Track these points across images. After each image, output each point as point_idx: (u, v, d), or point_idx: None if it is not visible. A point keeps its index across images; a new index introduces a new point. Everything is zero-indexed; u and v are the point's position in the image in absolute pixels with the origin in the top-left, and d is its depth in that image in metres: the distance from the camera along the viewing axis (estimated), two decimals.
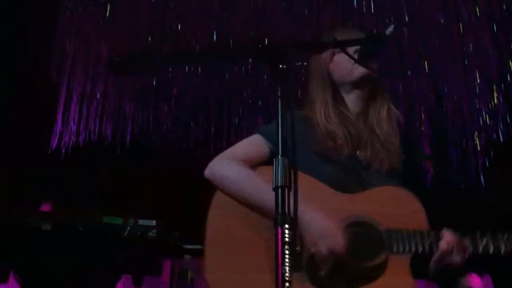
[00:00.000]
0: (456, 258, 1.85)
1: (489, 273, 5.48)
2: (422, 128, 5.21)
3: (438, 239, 1.86)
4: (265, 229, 1.88)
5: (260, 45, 1.52)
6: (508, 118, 5.09)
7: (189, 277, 4.37)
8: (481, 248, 1.87)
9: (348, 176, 2.00)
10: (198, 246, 2.06)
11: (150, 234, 3.33)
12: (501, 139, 5.17)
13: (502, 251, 1.86)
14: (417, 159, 2.22)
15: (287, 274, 1.36)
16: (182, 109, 5.24)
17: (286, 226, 1.40)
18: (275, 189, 1.44)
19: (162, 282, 4.82)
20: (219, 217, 1.99)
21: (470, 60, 4.91)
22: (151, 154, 5.26)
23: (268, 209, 1.83)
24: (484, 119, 5.20)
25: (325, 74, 2.15)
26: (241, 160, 2.06)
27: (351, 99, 2.15)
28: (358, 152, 2.07)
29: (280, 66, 1.50)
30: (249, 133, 2.21)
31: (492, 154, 5.28)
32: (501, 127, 5.15)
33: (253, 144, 2.11)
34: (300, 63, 1.59)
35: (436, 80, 5.03)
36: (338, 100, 2.14)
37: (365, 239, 1.88)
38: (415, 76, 5.03)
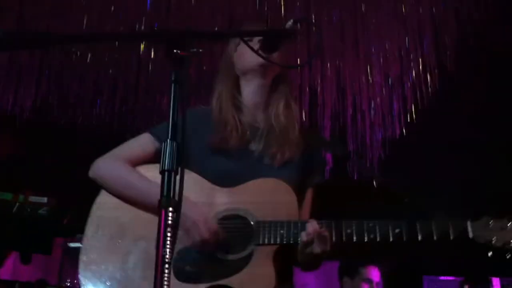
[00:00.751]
0: (317, 249, 1.85)
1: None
2: (324, 122, 5.38)
3: (303, 229, 1.89)
4: (144, 222, 1.95)
5: (156, 29, 1.53)
6: (402, 117, 5.36)
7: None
8: (344, 237, 1.90)
9: (241, 168, 2.03)
10: None
11: (41, 211, 3.24)
12: (397, 136, 5.44)
13: (365, 239, 1.89)
14: (316, 150, 2.22)
15: (167, 256, 1.39)
16: (87, 86, 5.10)
17: (170, 209, 1.43)
18: (162, 172, 1.46)
19: (52, 261, 4.70)
20: (100, 213, 2.05)
21: (372, 58, 5.12)
22: (52, 129, 5.09)
23: (146, 200, 1.94)
24: (382, 115, 5.44)
25: (229, 64, 2.19)
26: (123, 159, 2.10)
27: (251, 90, 2.17)
28: (251, 144, 2.10)
29: (175, 51, 1.52)
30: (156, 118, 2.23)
31: (388, 149, 5.55)
32: (398, 124, 5.41)
33: (139, 143, 2.15)
34: (195, 50, 1.59)
35: (339, 75, 5.20)
36: (236, 90, 2.17)
37: (235, 232, 1.93)
38: (319, 70, 5.18)
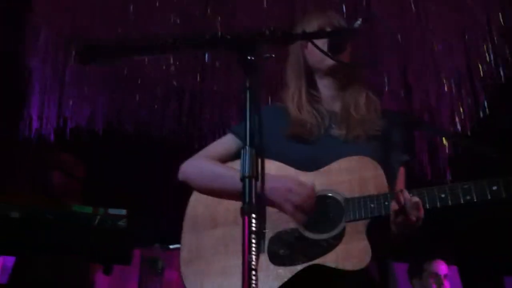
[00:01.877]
0: (411, 217, 1.78)
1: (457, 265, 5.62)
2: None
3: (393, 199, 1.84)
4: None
5: (228, 36, 1.54)
6: (480, 112, 5.18)
7: (159, 266, 4.39)
8: (438, 203, 1.82)
9: (323, 152, 2.03)
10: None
11: (120, 223, 3.33)
12: (468, 133, 5.26)
13: (462, 201, 1.81)
14: (399, 128, 2.17)
15: (253, 262, 1.39)
16: (154, 98, 5.22)
17: (253, 215, 1.43)
18: (242, 179, 1.46)
19: (132, 271, 4.83)
20: (194, 211, 2.13)
21: (438, 56, 4.98)
22: (124, 142, 5.24)
23: (235, 187, 1.85)
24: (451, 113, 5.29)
25: (300, 59, 2.21)
26: (210, 158, 2.17)
27: (325, 84, 2.20)
28: (331, 130, 2.11)
29: (248, 57, 1.53)
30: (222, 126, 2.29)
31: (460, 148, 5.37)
32: (469, 121, 5.24)
33: (222, 142, 2.23)
34: (268, 55, 1.59)
35: (406, 74, 5.09)
36: (311, 85, 2.20)
37: (325, 212, 1.92)
38: (386, 69, 5.09)
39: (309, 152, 2.04)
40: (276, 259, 1.89)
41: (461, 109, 5.21)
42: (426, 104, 5.26)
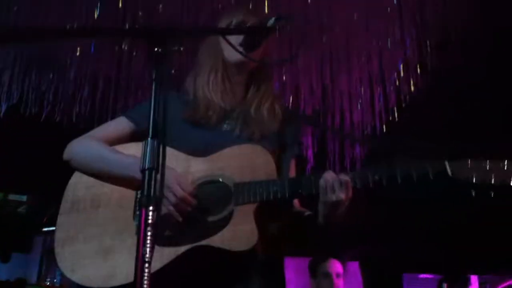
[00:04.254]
0: (340, 195, 1.83)
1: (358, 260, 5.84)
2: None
3: (310, 181, 1.89)
4: (120, 197, 1.97)
5: (137, 26, 1.52)
6: (383, 115, 5.40)
7: None
8: (368, 181, 1.88)
9: (216, 140, 2.05)
10: None
11: (20, 209, 3.21)
12: (377, 133, 5.46)
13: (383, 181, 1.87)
14: (293, 125, 2.24)
15: (147, 255, 1.38)
16: (66, 82, 5.04)
17: (150, 208, 1.42)
18: (143, 171, 1.45)
19: (31, 259, 4.65)
20: (74, 193, 2.04)
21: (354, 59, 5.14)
22: (29, 125, 5.02)
23: (120, 172, 1.95)
24: (363, 113, 5.47)
25: (217, 51, 2.19)
26: (98, 139, 2.10)
27: (235, 80, 2.21)
28: (225, 124, 2.13)
29: (156, 49, 1.51)
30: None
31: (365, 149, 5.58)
32: (377, 122, 5.44)
33: (114, 124, 2.18)
34: (177, 48, 1.59)
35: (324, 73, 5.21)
36: (225, 75, 2.19)
37: (214, 196, 1.93)
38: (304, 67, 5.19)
39: (205, 138, 2.05)
40: (160, 240, 1.84)
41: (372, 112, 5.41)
42: (340, 104, 5.40)
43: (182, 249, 1.85)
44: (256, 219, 1.87)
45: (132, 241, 1.77)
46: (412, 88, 5.03)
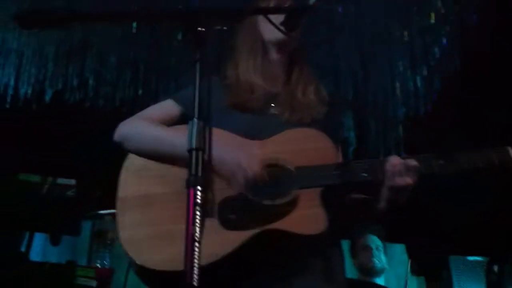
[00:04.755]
0: (407, 180, 1.83)
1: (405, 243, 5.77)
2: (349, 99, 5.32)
3: (374, 167, 1.89)
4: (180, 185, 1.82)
5: (180, 7, 1.52)
6: (429, 95, 5.28)
7: (109, 237, 4.35)
8: (434, 167, 1.89)
9: (266, 124, 2.02)
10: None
11: (69, 193, 3.28)
12: (421, 113, 5.35)
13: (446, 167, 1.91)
14: (338, 111, 2.25)
15: (196, 234, 1.39)
16: (108, 68, 5.11)
17: (198, 187, 1.43)
18: (189, 151, 1.46)
19: (81, 242, 4.77)
20: (130, 178, 1.97)
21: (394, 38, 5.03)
22: (74, 111, 5.13)
23: (180, 152, 1.81)
24: (407, 94, 5.37)
25: (256, 32, 2.17)
26: (147, 119, 2.07)
27: (274, 61, 2.17)
28: (272, 108, 2.10)
29: (198, 29, 1.51)
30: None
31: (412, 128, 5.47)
32: (423, 103, 5.33)
33: (162, 106, 2.14)
34: (220, 27, 1.58)
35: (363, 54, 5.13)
36: (265, 56, 2.16)
37: (276, 179, 1.89)
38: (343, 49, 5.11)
39: (254, 122, 2.02)
40: (227, 224, 1.83)
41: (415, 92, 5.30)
42: (382, 86, 5.32)
43: (252, 232, 1.81)
44: (322, 202, 1.85)
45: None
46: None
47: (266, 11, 1.88)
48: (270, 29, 2.01)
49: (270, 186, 1.88)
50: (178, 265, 1.63)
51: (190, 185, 1.43)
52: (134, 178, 1.98)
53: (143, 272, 1.83)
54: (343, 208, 2.04)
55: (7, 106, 5.00)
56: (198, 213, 1.42)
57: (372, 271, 4.04)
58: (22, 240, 3.82)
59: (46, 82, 5.08)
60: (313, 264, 1.93)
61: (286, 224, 1.81)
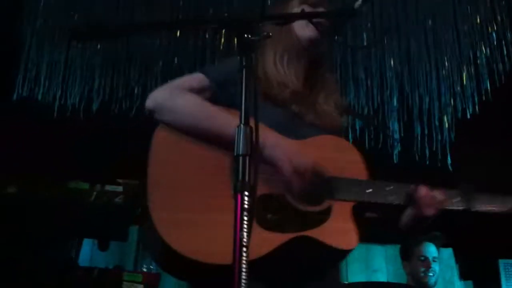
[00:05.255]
0: (432, 211, 1.91)
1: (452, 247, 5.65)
2: (393, 102, 5.26)
3: (401, 192, 1.93)
4: (214, 165, 1.80)
5: (226, 15, 1.53)
6: (476, 97, 5.16)
7: None
8: (455, 203, 1.96)
9: (297, 122, 2.00)
10: None
11: (116, 200, 3.34)
12: (468, 116, 5.24)
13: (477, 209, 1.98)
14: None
15: (244, 240, 1.39)
16: (152, 77, 5.19)
17: (245, 193, 1.43)
18: (236, 157, 1.46)
19: (128, 247, 4.85)
20: (162, 155, 1.84)
21: (438, 36, 4.95)
22: (121, 120, 5.22)
23: (226, 134, 1.71)
24: (452, 96, 5.27)
25: (292, 35, 2.11)
26: (186, 89, 1.93)
27: (302, 60, 2.13)
28: (293, 106, 2.03)
29: (245, 36, 1.52)
30: None
31: (458, 131, 5.35)
32: (469, 104, 5.22)
33: (195, 80, 1.98)
34: (266, 34, 1.58)
35: (405, 56, 5.06)
36: (294, 53, 2.11)
37: (313, 184, 1.84)
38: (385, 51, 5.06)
39: (284, 117, 1.97)
40: (264, 223, 1.77)
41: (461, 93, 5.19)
42: (428, 87, 5.22)
43: (289, 236, 1.78)
44: (353, 218, 1.86)
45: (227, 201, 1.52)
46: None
47: (312, 16, 1.88)
48: (302, 27, 2.02)
49: (308, 192, 1.84)
50: (215, 258, 1.64)
51: (238, 190, 1.43)
52: (168, 155, 1.84)
53: (175, 258, 1.70)
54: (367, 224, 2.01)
55: (55, 115, 5.13)
56: (245, 218, 1.42)
57: (425, 286, 3.98)
58: (72, 246, 3.91)
59: (92, 92, 5.20)
60: (330, 275, 1.93)
61: (321, 234, 1.80)
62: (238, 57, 1.48)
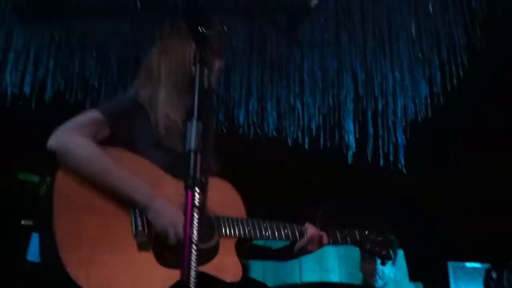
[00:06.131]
0: (313, 248, 2.30)
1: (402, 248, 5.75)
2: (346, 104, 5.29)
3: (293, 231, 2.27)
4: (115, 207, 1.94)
5: (180, 5, 1.50)
6: (428, 99, 5.23)
7: None
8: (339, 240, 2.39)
9: (177, 161, 2.06)
10: None
11: None
12: (420, 119, 5.30)
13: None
14: None
15: (194, 236, 1.38)
16: (109, 66, 5.07)
17: (197, 189, 1.42)
18: (188, 153, 1.45)
19: None
20: (68, 194, 1.92)
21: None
22: (74, 111, 5.09)
23: (136, 200, 1.93)
24: (406, 98, 5.33)
25: (185, 57, 2.17)
26: (88, 136, 2.00)
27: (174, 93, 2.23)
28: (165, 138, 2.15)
29: (200, 28, 1.49)
30: None
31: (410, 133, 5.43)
32: (422, 107, 5.29)
33: (93, 119, 2.07)
34: (221, 28, 1.57)
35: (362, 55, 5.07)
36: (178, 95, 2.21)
37: (202, 224, 1.95)
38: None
39: (167, 158, 2.10)
40: (161, 259, 1.93)
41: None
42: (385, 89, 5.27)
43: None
44: (237, 252, 2.07)
45: (138, 256, 1.88)
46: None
47: (268, 10, 1.86)
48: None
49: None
50: None
51: (189, 186, 1.42)
52: (71, 200, 1.92)
53: None
54: (253, 256, 2.38)
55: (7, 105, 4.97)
56: (195, 215, 1.41)
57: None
58: (20, 240, 3.82)
59: (47, 81, 5.04)
60: None
61: (213, 268, 1.98)
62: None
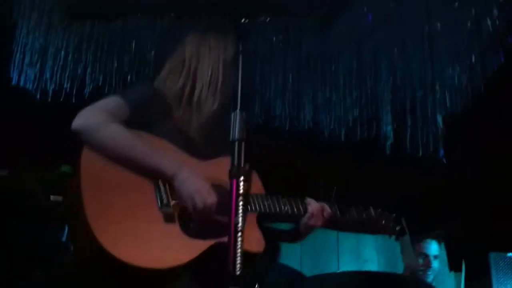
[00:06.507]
0: (318, 223, 2.39)
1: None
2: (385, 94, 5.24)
3: (297, 205, 2.37)
4: (140, 182, 2.00)
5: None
6: (469, 90, 5.14)
7: None
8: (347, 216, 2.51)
9: (203, 144, 2.21)
10: None
11: None
12: (459, 109, 5.22)
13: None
14: None
15: (239, 224, 1.41)
16: (144, 64, 5.14)
17: (241, 178, 1.44)
18: (232, 142, 1.47)
19: None
20: (93, 177, 1.95)
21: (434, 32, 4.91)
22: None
23: (163, 169, 2.01)
24: (446, 89, 5.25)
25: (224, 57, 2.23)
26: (118, 120, 2.06)
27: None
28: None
29: (243, 20, 1.51)
30: None
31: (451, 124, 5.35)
32: (462, 98, 5.20)
33: (116, 104, 2.12)
34: (263, 18, 1.58)
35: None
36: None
37: (223, 199, 2.00)
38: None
39: (188, 146, 2.18)
40: (187, 230, 2.00)
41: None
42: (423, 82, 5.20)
43: (209, 242, 2.01)
44: (258, 226, 2.18)
45: (164, 227, 1.94)
46: None
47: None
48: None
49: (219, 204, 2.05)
50: (149, 263, 1.85)
51: (233, 176, 1.45)
52: (97, 178, 1.97)
53: (109, 263, 1.83)
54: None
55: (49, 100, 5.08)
56: (241, 203, 1.44)
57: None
58: (63, 231, 3.91)
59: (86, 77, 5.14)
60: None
61: None
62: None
